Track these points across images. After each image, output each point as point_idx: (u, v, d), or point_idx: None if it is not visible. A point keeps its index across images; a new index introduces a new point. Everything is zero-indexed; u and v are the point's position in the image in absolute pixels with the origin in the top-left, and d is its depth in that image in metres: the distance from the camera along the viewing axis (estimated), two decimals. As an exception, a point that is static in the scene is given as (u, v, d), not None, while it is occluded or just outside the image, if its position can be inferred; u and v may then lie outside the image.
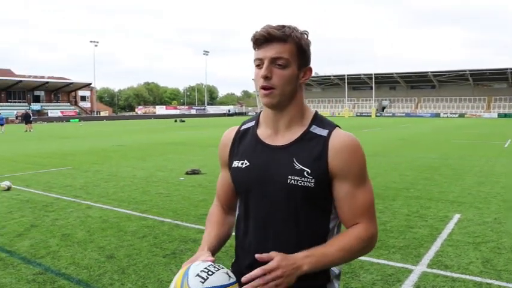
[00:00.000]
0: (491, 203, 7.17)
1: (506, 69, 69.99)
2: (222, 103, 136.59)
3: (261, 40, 1.47)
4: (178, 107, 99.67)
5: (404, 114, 77.68)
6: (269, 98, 1.49)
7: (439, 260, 4.59)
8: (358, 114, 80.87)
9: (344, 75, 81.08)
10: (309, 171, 1.48)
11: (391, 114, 78.93)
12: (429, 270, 4.34)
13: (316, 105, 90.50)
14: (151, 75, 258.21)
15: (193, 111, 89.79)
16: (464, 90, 79.43)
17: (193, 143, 19.79)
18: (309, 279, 1.43)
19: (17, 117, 57.19)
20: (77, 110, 75.16)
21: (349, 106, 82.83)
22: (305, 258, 1.41)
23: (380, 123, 43.57)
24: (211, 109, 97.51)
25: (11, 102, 71.25)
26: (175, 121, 54.61)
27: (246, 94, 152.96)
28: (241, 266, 1.58)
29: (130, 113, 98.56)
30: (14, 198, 7.83)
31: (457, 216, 6.35)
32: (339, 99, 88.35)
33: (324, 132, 1.52)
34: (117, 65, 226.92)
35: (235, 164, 1.62)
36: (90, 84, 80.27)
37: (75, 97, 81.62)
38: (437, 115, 74.19)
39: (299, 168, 1.49)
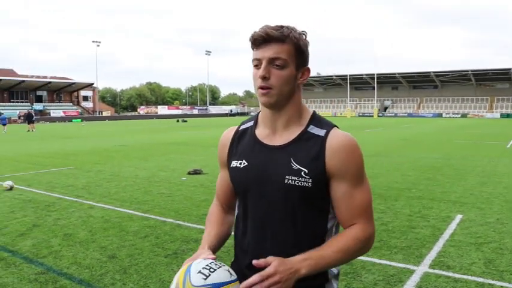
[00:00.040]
0: (493, 204, 7.15)
1: (509, 69, 69.86)
2: (224, 103, 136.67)
3: (259, 40, 1.47)
4: (180, 107, 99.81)
5: (406, 115, 77.60)
6: (267, 98, 1.49)
7: (441, 261, 4.58)
8: (361, 114, 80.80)
9: (346, 76, 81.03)
10: (306, 171, 1.48)
11: (393, 115, 78.84)
12: (431, 270, 4.33)
13: (318, 105, 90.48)
14: (153, 75, 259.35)
15: (195, 111, 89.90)
16: (466, 90, 79.30)
17: (195, 143, 19.81)
18: (307, 279, 1.43)
19: (19, 117, 57.32)
20: (79, 110, 75.31)
21: (351, 106, 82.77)
22: (303, 262, 1.41)
23: (382, 124, 43.53)
24: (213, 109, 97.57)
25: (13, 102, 71.45)
26: (178, 121, 54.68)
27: (248, 94, 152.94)
28: (240, 266, 1.59)
29: (133, 113, 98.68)
30: (16, 198, 7.84)
31: (459, 217, 6.33)
32: (341, 100, 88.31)
33: (321, 132, 1.52)
34: (120, 65, 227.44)
35: (234, 164, 1.62)
36: (93, 84, 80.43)
37: (77, 97, 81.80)
38: (440, 115, 74.09)
39: (296, 168, 1.49)
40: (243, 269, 1.53)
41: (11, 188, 8.58)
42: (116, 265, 4.51)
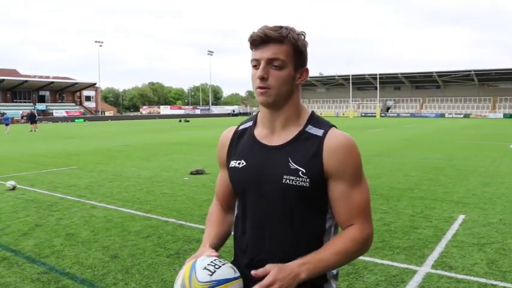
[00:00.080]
0: (496, 204, 7.13)
1: (512, 69, 69.70)
2: (226, 103, 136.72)
3: (258, 41, 1.48)
4: (182, 107, 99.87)
5: (409, 115, 77.49)
6: (264, 97, 1.50)
7: (443, 261, 4.57)
8: (363, 114, 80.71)
9: (349, 76, 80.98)
10: (304, 170, 1.48)
11: (395, 115, 78.75)
12: (433, 271, 4.32)
13: (321, 105, 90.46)
14: (155, 75, 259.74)
15: (197, 111, 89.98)
16: (469, 90, 79.15)
17: (197, 143, 19.82)
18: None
19: (22, 117, 57.42)
20: (82, 110, 75.49)
21: (353, 106, 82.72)
22: (302, 266, 1.41)
23: (385, 124, 43.48)
24: (215, 109, 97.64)
25: (16, 102, 71.69)
26: (180, 121, 54.71)
27: (251, 94, 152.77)
28: (240, 265, 1.59)
29: (135, 113, 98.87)
30: (19, 198, 7.86)
31: (461, 217, 6.32)
32: (343, 100, 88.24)
33: (319, 132, 1.53)
34: (122, 65, 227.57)
35: (233, 163, 1.63)
36: (95, 84, 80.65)
37: (80, 97, 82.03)
38: (442, 115, 73.96)
39: (294, 168, 1.49)
40: (242, 268, 1.53)
41: (13, 188, 8.60)
42: (118, 265, 4.52)
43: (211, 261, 1.42)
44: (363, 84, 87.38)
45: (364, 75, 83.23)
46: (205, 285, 1.36)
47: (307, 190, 1.48)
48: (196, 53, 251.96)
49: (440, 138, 22.44)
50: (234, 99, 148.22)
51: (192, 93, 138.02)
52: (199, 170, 10.52)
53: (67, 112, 71.00)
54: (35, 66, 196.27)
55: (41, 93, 75.48)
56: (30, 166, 12.22)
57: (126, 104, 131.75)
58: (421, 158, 13.56)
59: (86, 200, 7.67)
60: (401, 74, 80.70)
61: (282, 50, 1.46)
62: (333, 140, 1.50)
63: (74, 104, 78.95)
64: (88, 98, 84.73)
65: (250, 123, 1.68)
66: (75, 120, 63.80)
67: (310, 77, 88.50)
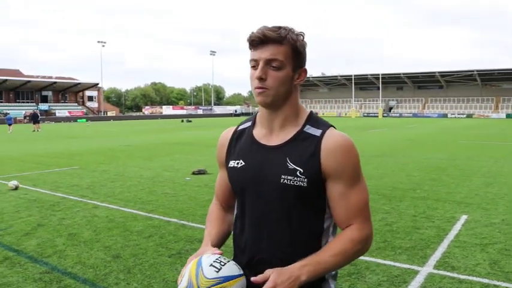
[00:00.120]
0: (499, 204, 7.11)
1: (515, 69, 69.50)
2: (228, 103, 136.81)
3: (257, 41, 1.48)
4: (185, 107, 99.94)
5: (411, 115, 77.37)
6: (262, 97, 1.50)
7: (445, 261, 4.56)
8: (365, 114, 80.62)
9: (351, 76, 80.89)
10: (301, 170, 1.48)
11: (398, 115, 78.64)
12: (436, 271, 4.31)
13: (323, 105, 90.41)
14: (158, 75, 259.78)
15: (200, 112, 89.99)
16: (472, 90, 78.97)
17: (199, 143, 19.83)
18: None
19: (25, 117, 57.58)
20: (84, 110, 75.62)
21: (356, 106, 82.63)
22: (302, 268, 1.41)
23: (387, 124, 43.43)
24: (218, 109, 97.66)
25: (19, 102, 71.86)
26: (182, 121, 54.76)
27: (253, 94, 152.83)
28: (239, 264, 1.59)
29: (138, 113, 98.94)
30: (21, 198, 7.88)
31: (464, 217, 6.31)
32: (345, 100, 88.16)
33: (317, 132, 1.53)
34: (124, 65, 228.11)
35: (232, 163, 1.64)
36: (98, 84, 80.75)
37: (82, 97, 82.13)
38: (445, 115, 73.80)
39: (292, 167, 1.50)
40: (241, 267, 1.53)
41: (16, 188, 8.62)
42: (120, 265, 4.52)
43: (217, 259, 1.44)
44: (365, 84, 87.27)
45: (366, 75, 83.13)
46: (213, 282, 1.37)
47: (304, 190, 1.49)
48: (198, 53, 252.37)
49: (443, 139, 22.40)
50: (236, 99, 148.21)
51: (195, 93, 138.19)
52: (202, 170, 10.52)
53: (70, 112, 71.14)
54: (37, 66, 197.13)
55: (44, 93, 75.60)
56: (33, 166, 12.25)
57: (129, 104, 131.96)
58: (423, 158, 13.53)
59: (88, 199, 7.68)
60: (403, 74, 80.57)
61: (280, 51, 1.47)
62: (330, 140, 1.50)
63: (76, 104, 79.06)
64: (90, 98, 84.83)
65: (249, 124, 1.68)
66: (78, 120, 63.91)
67: (312, 77, 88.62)
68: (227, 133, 1.73)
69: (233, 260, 1.68)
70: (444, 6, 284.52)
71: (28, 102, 72.17)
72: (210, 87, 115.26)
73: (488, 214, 6.49)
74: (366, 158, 13.10)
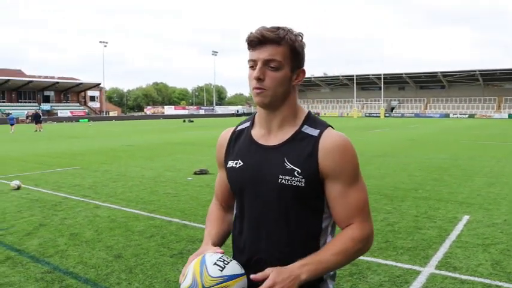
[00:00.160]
0: (501, 205, 7.10)
1: (518, 69, 69.34)
2: (230, 103, 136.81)
3: (255, 42, 1.48)
4: (186, 107, 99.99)
5: (413, 115, 77.27)
6: (261, 97, 1.51)
7: (447, 262, 4.55)
8: (367, 114, 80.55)
9: (353, 76, 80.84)
10: (299, 170, 1.49)
11: (400, 115, 78.55)
12: (437, 271, 4.30)
13: (325, 105, 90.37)
14: (160, 76, 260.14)
15: (201, 112, 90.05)
16: (474, 90, 78.83)
17: (201, 143, 19.83)
18: None
19: (27, 117, 57.67)
20: (86, 110, 75.71)
21: (357, 106, 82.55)
22: (302, 267, 1.41)
23: (389, 124, 43.38)
24: (219, 109, 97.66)
25: (21, 102, 71.99)
26: (184, 121, 54.80)
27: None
28: None
29: (139, 113, 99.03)
30: (23, 198, 7.89)
31: (466, 218, 6.30)
32: (347, 100, 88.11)
33: (315, 132, 1.53)
34: (126, 65, 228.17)
35: (230, 164, 1.65)
36: (100, 84, 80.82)
37: (84, 97, 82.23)
38: (447, 116, 73.70)
39: (290, 167, 1.50)
40: None
41: (18, 188, 8.64)
42: (122, 265, 4.52)
43: (220, 257, 1.44)
44: (367, 84, 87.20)
45: (368, 75, 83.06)
46: (217, 280, 1.38)
47: (302, 190, 1.49)
48: (200, 53, 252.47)
49: (445, 139, 22.36)
50: (238, 100, 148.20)
51: (196, 94, 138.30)
52: (203, 170, 10.53)
53: (72, 112, 71.24)
54: (39, 66, 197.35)
55: (46, 93, 75.73)
56: (35, 166, 12.27)
57: (131, 104, 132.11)
58: (425, 158, 13.51)
59: (89, 199, 7.69)
60: (405, 74, 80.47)
61: (278, 51, 1.47)
62: (328, 140, 1.50)
63: (78, 104, 79.17)
64: (92, 98, 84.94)
65: (247, 124, 1.69)
66: (80, 120, 64.00)
67: (314, 77, 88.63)
68: (226, 133, 1.74)
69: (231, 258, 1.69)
70: (446, 6, 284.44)
71: (30, 102, 72.29)
72: (212, 87, 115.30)
73: (490, 214, 6.48)
74: (368, 158, 13.09)
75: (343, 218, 1.53)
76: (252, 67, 1.51)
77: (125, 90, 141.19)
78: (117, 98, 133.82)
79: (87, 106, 79.67)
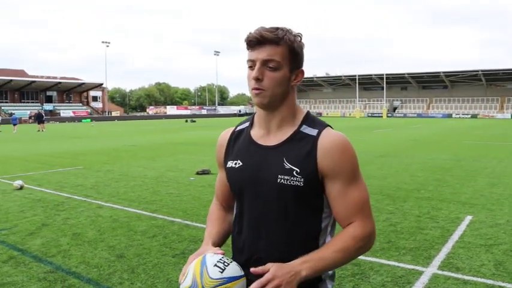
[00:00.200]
0: (503, 205, 7.08)
1: (520, 69, 69.13)
2: (232, 103, 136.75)
3: (254, 42, 1.49)
4: (189, 107, 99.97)
5: (415, 115, 77.09)
6: (260, 98, 1.51)
7: (450, 262, 4.54)
8: (369, 114, 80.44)
9: (355, 76, 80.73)
10: (298, 170, 1.49)
11: (402, 115, 78.38)
12: (440, 272, 4.29)
13: (327, 105, 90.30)
14: (162, 76, 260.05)
15: (204, 112, 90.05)
16: (476, 90, 78.63)
17: (204, 143, 19.83)
18: None
19: (30, 117, 57.80)
20: (89, 110, 75.84)
21: (360, 106, 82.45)
22: (302, 264, 1.41)
23: (391, 124, 43.32)
24: (222, 109, 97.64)
25: (24, 102, 72.15)
26: (186, 121, 54.83)
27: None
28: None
29: (142, 113, 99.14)
30: (26, 197, 7.91)
31: (468, 218, 6.28)
32: (350, 100, 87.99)
33: (313, 132, 1.54)
34: (129, 65, 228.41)
35: (230, 164, 1.66)
36: (102, 84, 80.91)
37: (87, 97, 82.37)
38: (450, 116, 73.53)
39: (288, 167, 1.51)
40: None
41: (21, 188, 8.66)
42: (124, 264, 4.53)
43: (220, 259, 1.44)
44: (369, 84, 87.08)
45: (370, 75, 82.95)
46: (217, 282, 1.38)
47: (301, 189, 1.49)
48: (202, 53, 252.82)
49: (447, 139, 22.32)
50: (240, 100, 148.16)
51: (199, 94, 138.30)
52: (206, 170, 10.53)
53: (74, 112, 71.36)
54: (42, 66, 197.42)
55: (48, 93, 75.89)
56: (37, 166, 12.30)
57: (133, 104, 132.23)
58: (427, 158, 13.49)
59: (92, 199, 7.70)
60: (408, 74, 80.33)
61: (277, 52, 1.47)
62: (326, 140, 1.50)
63: (81, 104, 79.32)
64: (95, 98, 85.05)
65: (247, 124, 1.70)
66: (82, 120, 64.12)
67: (316, 77, 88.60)
68: (226, 134, 1.75)
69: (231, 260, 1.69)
70: (448, 6, 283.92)
71: (33, 103, 72.45)
72: (214, 87, 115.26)
73: (493, 215, 6.46)
74: (370, 158, 13.07)
75: (344, 217, 1.53)
76: (251, 67, 1.51)
77: (127, 91, 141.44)
78: (120, 98, 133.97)
79: (90, 106, 79.80)
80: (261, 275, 1.38)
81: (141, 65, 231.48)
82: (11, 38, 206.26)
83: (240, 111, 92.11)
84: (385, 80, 77.77)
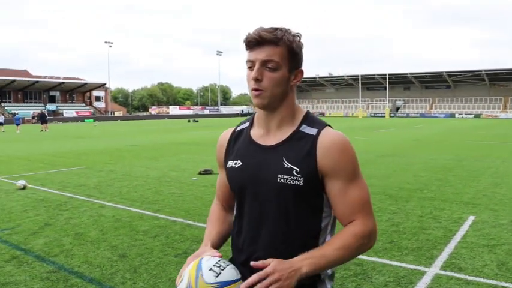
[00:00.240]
0: (506, 205, 7.06)
1: (523, 69, 68.90)
2: (235, 103, 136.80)
3: (253, 42, 1.49)
4: (191, 107, 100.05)
5: (418, 115, 76.95)
6: (259, 99, 1.52)
7: (452, 262, 4.53)
8: (372, 114, 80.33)
9: (358, 76, 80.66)
10: (297, 169, 1.50)
11: (405, 115, 78.24)
12: (442, 272, 4.29)
13: (330, 105, 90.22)
14: (165, 76, 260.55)
15: (206, 112, 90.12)
16: (480, 90, 78.42)
17: (206, 143, 19.84)
18: None
19: (33, 117, 57.96)
20: (92, 110, 75.97)
21: (363, 106, 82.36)
22: (303, 261, 1.42)
23: (394, 124, 43.25)
24: (224, 109, 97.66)
25: (27, 102, 72.33)
26: (189, 121, 54.86)
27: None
28: (236, 263, 1.60)
29: (144, 113, 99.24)
30: (29, 197, 7.93)
31: (471, 218, 6.26)
32: (352, 100, 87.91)
33: (313, 131, 1.54)
34: (131, 65, 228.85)
35: (230, 164, 1.66)
36: (105, 84, 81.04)
37: (89, 97, 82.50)
38: (453, 116, 73.37)
39: (288, 167, 1.51)
40: (238, 266, 1.55)
41: (24, 187, 8.68)
42: (126, 264, 4.54)
43: (217, 262, 1.44)
44: (372, 84, 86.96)
45: (373, 75, 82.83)
46: (211, 287, 1.38)
47: (301, 189, 1.50)
48: (205, 53, 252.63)
49: (450, 139, 22.27)
50: (242, 100, 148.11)
51: (201, 94, 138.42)
52: (208, 170, 10.54)
53: (77, 112, 71.53)
54: (45, 66, 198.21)
55: (52, 93, 76.04)
56: (40, 166, 12.33)
57: (136, 104, 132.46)
58: (430, 158, 13.46)
59: (94, 199, 7.72)
60: (410, 74, 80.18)
61: (276, 52, 1.48)
62: (326, 139, 1.51)
63: (83, 104, 79.44)
64: (98, 98, 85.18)
65: (247, 124, 1.70)
66: (85, 120, 64.25)
67: (319, 77, 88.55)
68: (226, 134, 1.76)
69: (230, 258, 1.69)
70: (450, 5, 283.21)
71: (36, 103, 72.62)
72: (217, 87, 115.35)
73: (496, 215, 6.44)
74: (373, 158, 13.06)
75: (344, 216, 1.53)
76: (250, 68, 1.52)
77: (130, 91, 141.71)
78: (122, 98, 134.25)
79: (93, 106, 79.94)
80: (261, 269, 1.38)
81: (144, 65, 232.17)
82: (14, 38, 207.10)
83: (242, 111, 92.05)
84: (387, 80, 77.66)
